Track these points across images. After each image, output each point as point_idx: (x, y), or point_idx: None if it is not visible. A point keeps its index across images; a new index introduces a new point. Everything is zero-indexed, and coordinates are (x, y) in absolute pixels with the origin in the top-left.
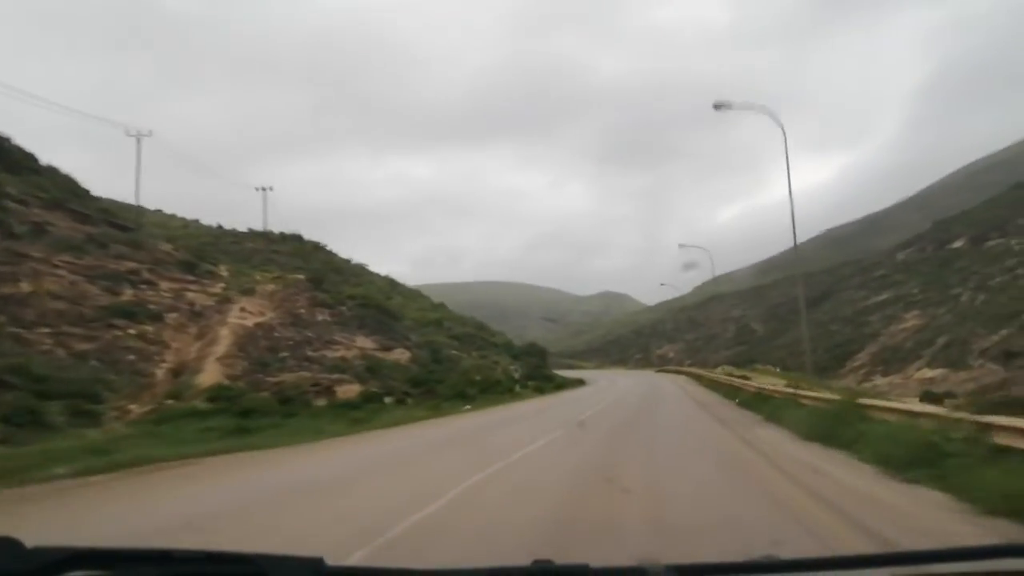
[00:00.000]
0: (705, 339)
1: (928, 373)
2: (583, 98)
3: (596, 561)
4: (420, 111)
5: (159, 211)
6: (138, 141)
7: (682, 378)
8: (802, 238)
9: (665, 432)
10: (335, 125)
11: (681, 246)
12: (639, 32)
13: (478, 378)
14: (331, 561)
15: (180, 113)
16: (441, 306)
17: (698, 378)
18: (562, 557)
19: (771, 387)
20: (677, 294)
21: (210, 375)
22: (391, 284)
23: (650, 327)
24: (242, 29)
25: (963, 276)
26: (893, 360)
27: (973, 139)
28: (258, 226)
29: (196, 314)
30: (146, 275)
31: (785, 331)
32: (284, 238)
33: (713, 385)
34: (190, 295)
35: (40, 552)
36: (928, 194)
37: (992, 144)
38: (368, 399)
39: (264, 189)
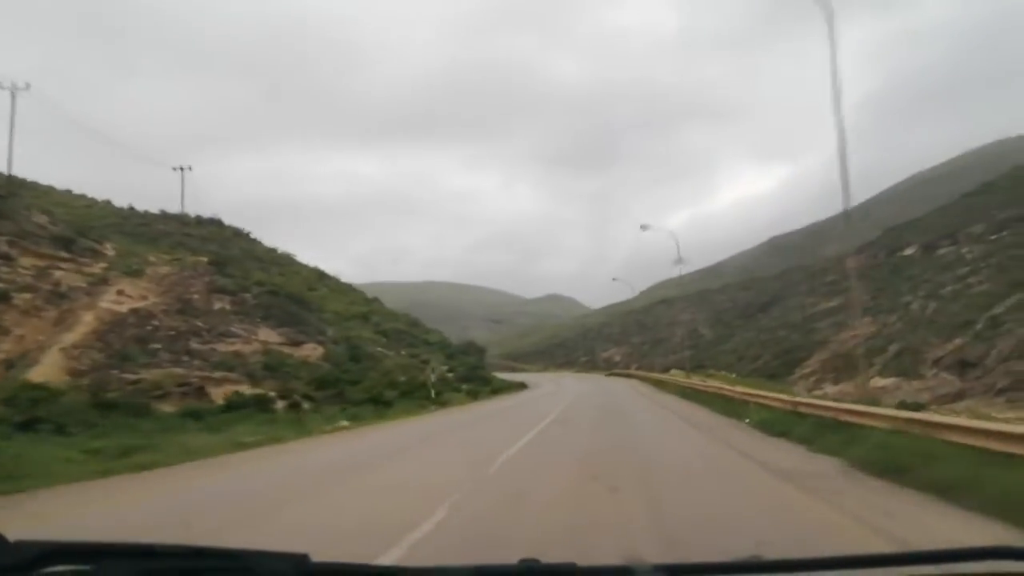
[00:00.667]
0: (652, 343)
1: (880, 382)
2: (534, 100)
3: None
4: (369, 107)
5: (68, 191)
6: (12, 96)
7: (637, 382)
8: (747, 245)
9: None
10: (281, 118)
11: (643, 227)
12: (591, 35)
13: (402, 379)
14: (316, 557)
15: (120, 99)
16: (375, 301)
17: (660, 384)
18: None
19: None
20: (627, 296)
21: (47, 369)
22: (319, 276)
23: (596, 330)
24: (186, 16)
25: (914, 284)
26: (844, 368)
27: (915, 152)
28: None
29: (59, 296)
30: (2, 248)
31: (732, 336)
32: (200, 222)
33: (690, 394)
34: (58, 274)
35: (22, 546)
36: (872, 204)
37: (933, 158)
38: (244, 404)
39: (181, 169)
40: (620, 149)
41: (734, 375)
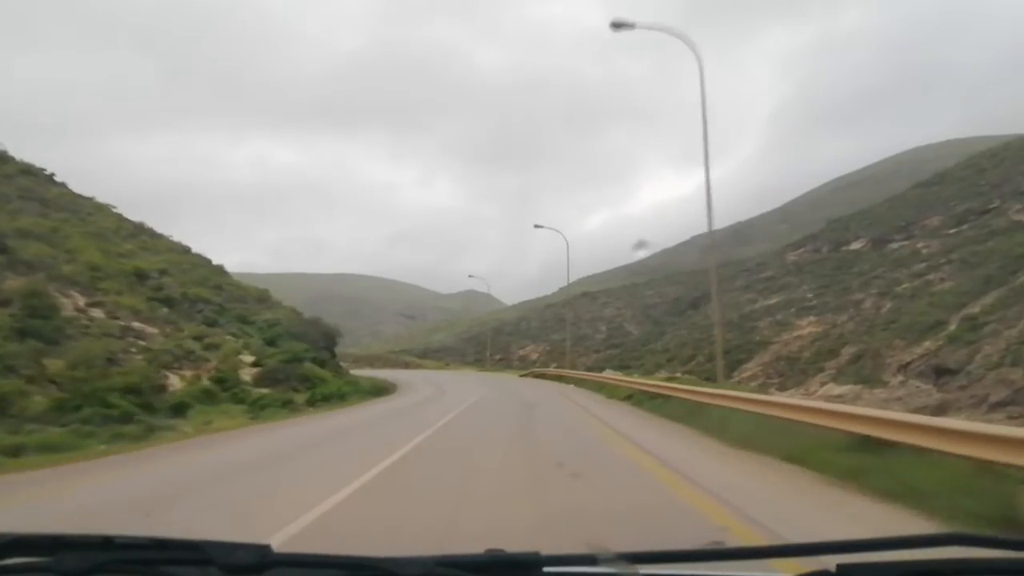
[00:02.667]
0: (573, 339)
1: (836, 389)
2: (457, 90)
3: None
4: (285, 92)
5: None
6: None
7: (568, 388)
8: (669, 243)
9: None
10: (187, 99)
11: (536, 226)
12: (516, 27)
13: (134, 380)
14: (278, 547)
15: (12, 70)
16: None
17: (601, 387)
18: None
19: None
20: (545, 292)
21: None
22: (132, 228)
23: (512, 325)
24: None
25: (865, 280)
26: (790, 372)
27: (827, 160)
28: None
29: None
30: None
31: (661, 334)
32: None
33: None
34: None
35: None
36: (791, 207)
37: (847, 166)
38: None
39: None
40: (540, 147)
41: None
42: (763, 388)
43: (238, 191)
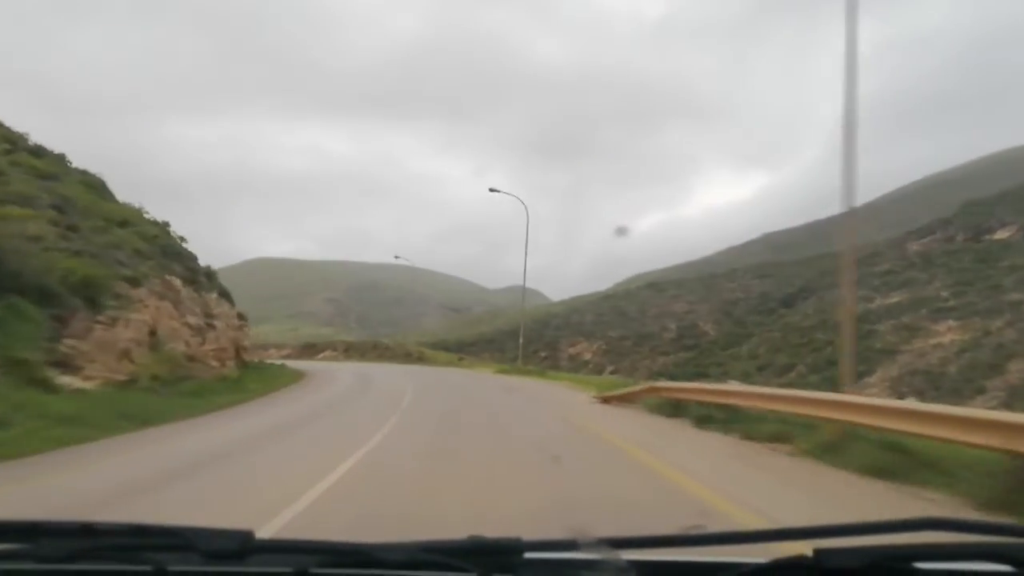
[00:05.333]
0: (636, 338)
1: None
2: (512, 82)
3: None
4: (339, 78)
5: None
6: None
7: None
8: (738, 240)
9: None
10: (242, 82)
11: (492, 190)
12: (575, 16)
13: None
14: (260, 534)
15: (72, 47)
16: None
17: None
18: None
19: None
20: (597, 288)
21: None
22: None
23: (562, 319)
24: None
25: (1021, 277)
26: (933, 391)
27: (907, 161)
28: None
29: None
30: None
31: (746, 336)
32: None
33: None
34: None
35: None
36: (877, 205)
37: (941, 163)
38: None
39: None
40: (594, 142)
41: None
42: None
43: (290, 177)
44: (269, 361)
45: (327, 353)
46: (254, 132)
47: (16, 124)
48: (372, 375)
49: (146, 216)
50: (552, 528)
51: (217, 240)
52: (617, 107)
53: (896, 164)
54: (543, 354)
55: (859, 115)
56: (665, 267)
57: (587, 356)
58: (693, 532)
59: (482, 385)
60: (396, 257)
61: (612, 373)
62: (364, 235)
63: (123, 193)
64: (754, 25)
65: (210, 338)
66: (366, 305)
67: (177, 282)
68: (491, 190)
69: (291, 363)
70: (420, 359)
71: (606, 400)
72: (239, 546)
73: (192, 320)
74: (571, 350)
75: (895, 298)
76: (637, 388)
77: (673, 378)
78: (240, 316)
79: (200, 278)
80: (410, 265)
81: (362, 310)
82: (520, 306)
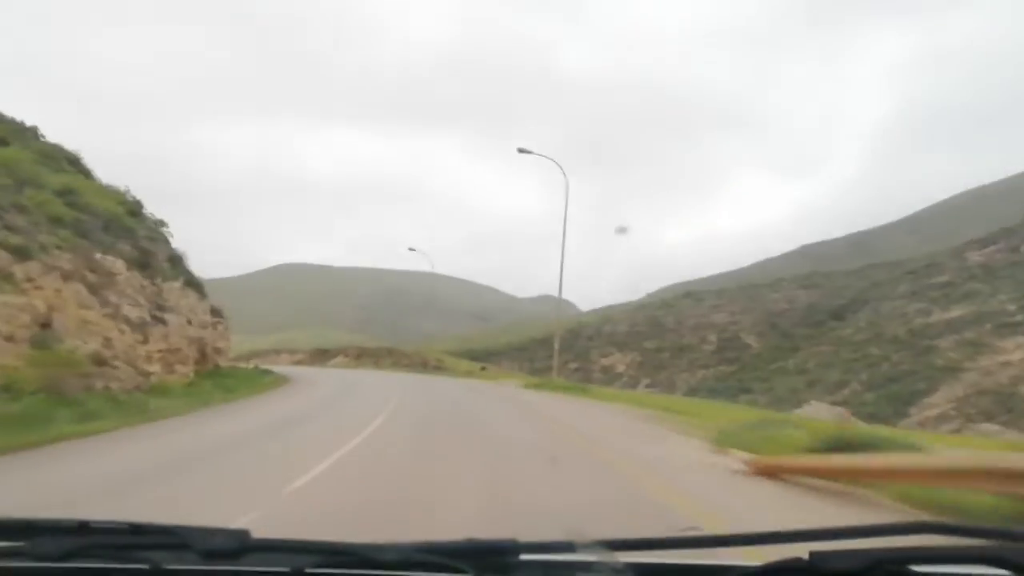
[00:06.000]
0: (673, 350)
1: None
2: (544, 89)
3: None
4: (369, 83)
5: None
6: None
7: None
8: (775, 252)
9: None
10: (274, 87)
11: (521, 150)
12: (608, 24)
13: None
14: (256, 534)
15: (96, 46)
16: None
17: None
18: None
19: None
20: (628, 298)
21: None
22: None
23: (593, 328)
24: None
25: None
26: (1000, 412)
27: (952, 173)
28: None
29: None
30: None
31: (793, 350)
32: None
33: None
34: None
35: None
36: (919, 218)
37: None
38: None
39: None
40: (625, 151)
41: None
42: (959, 432)
43: (320, 183)
44: (258, 367)
45: (339, 359)
46: (285, 137)
47: (49, 127)
48: (360, 388)
49: (122, 197)
50: (549, 529)
51: (246, 245)
52: (649, 115)
53: (932, 177)
54: (573, 365)
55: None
56: (701, 277)
57: (620, 368)
58: (689, 535)
59: (504, 411)
60: (411, 250)
61: (648, 387)
62: (393, 242)
63: (151, 196)
64: (787, 33)
65: (156, 336)
66: (393, 312)
67: (115, 263)
68: (520, 150)
69: (288, 369)
70: (438, 368)
71: (767, 472)
72: (235, 545)
73: (131, 312)
74: (603, 361)
75: (956, 311)
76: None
77: (714, 393)
78: (215, 312)
79: (156, 262)
80: (426, 259)
81: (389, 317)
82: (551, 316)
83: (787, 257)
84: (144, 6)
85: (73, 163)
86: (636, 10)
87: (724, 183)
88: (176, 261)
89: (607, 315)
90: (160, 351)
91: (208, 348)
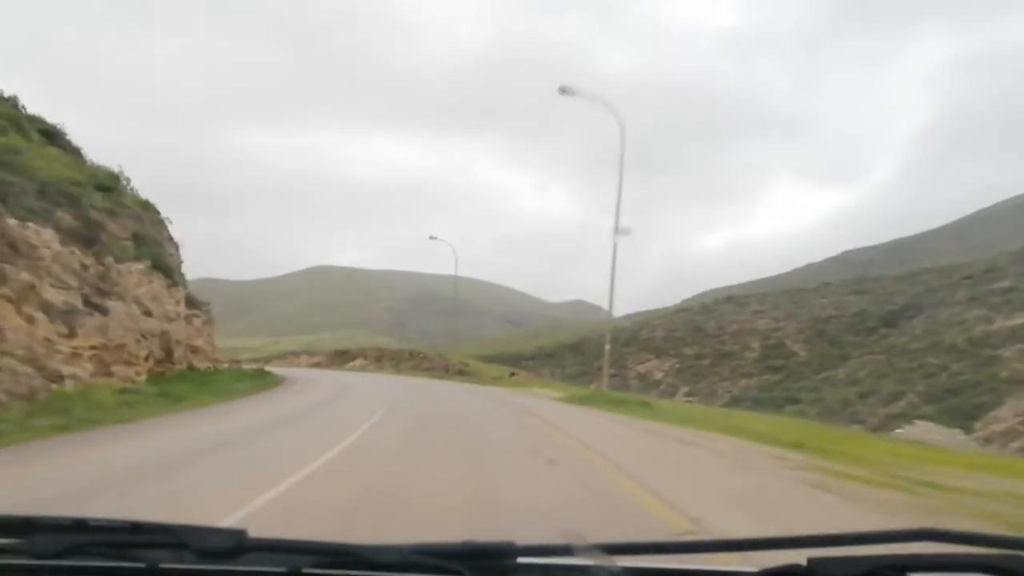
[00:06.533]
0: (714, 357)
1: None
2: (582, 92)
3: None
4: (406, 88)
5: None
6: None
7: None
8: (817, 257)
9: None
10: (313, 92)
11: (563, 91)
12: (645, 28)
13: None
14: (254, 533)
15: (141, 50)
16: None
17: None
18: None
19: None
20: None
21: None
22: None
23: (629, 333)
24: None
25: None
26: None
27: (995, 179)
28: None
29: None
30: None
31: (842, 358)
32: None
33: None
34: None
35: None
36: (965, 223)
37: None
38: None
39: None
40: (661, 156)
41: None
42: None
43: (355, 187)
44: (263, 368)
45: (357, 362)
46: (323, 141)
47: (94, 129)
48: (350, 397)
49: (96, 171)
50: (547, 532)
51: (283, 247)
52: (685, 120)
53: (975, 183)
54: (611, 372)
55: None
56: (742, 282)
57: (658, 375)
58: (687, 539)
59: (541, 458)
60: (432, 238)
61: (687, 396)
62: (425, 246)
63: (190, 198)
64: (828, 37)
65: (89, 328)
66: (423, 315)
67: (40, 233)
68: (562, 90)
69: (296, 372)
70: (461, 373)
71: None
72: (232, 545)
73: (55, 296)
74: (640, 368)
75: (1021, 319)
76: None
77: (758, 404)
78: (193, 304)
79: (108, 238)
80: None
81: (418, 320)
82: (582, 320)
83: (828, 263)
84: (188, 15)
85: (48, 135)
86: (675, 13)
87: (759, 188)
88: (147, 241)
89: (644, 319)
90: (93, 347)
91: (177, 345)
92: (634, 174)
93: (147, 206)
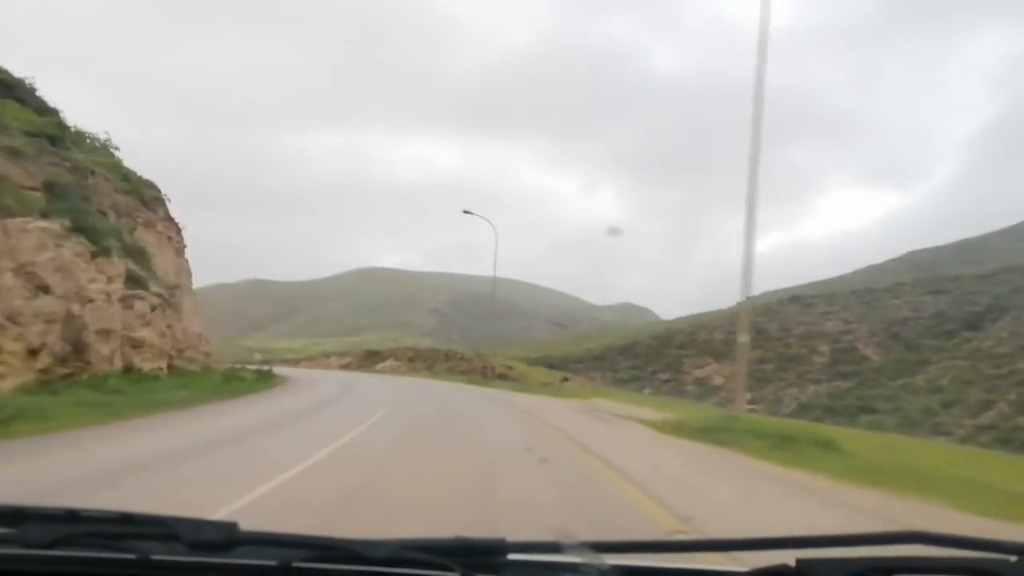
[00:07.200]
0: (779, 361)
1: None
2: (626, 94)
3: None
4: (450, 89)
5: None
6: None
7: None
8: (881, 258)
9: None
10: (357, 94)
11: (613, 231)
12: (695, 26)
13: None
14: (245, 526)
15: (194, 55)
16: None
17: None
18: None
19: None
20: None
21: None
22: None
23: (686, 336)
24: None
25: None
26: None
27: None
28: None
29: None
30: None
31: (921, 363)
32: None
33: None
34: None
35: None
36: None
37: None
38: None
39: None
40: (712, 158)
41: None
42: None
43: (400, 190)
44: (266, 369)
45: (388, 363)
46: (368, 144)
47: (139, 131)
48: (333, 411)
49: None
50: (537, 530)
51: (329, 249)
52: (735, 120)
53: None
54: (663, 376)
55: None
56: (800, 283)
57: (718, 380)
58: (676, 539)
59: None
60: (466, 212)
61: (751, 403)
62: (470, 248)
63: (241, 202)
64: (884, 35)
65: None
66: (469, 317)
67: None
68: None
69: (313, 374)
70: (504, 377)
71: None
72: (224, 537)
73: None
74: (697, 372)
75: None
76: None
77: (830, 412)
78: (137, 282)
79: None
80: (518, 279)
81: (465, 322)
82: (631, 324)
83: (892, 264)
84: (238, 19)
85: (8, 86)
86: (724, 13)
87: (811, 189)
88: (68, 196)
89: (701, 321)
90: None
91: (101, 337)
92: (682, 175)
93: (130, 177)
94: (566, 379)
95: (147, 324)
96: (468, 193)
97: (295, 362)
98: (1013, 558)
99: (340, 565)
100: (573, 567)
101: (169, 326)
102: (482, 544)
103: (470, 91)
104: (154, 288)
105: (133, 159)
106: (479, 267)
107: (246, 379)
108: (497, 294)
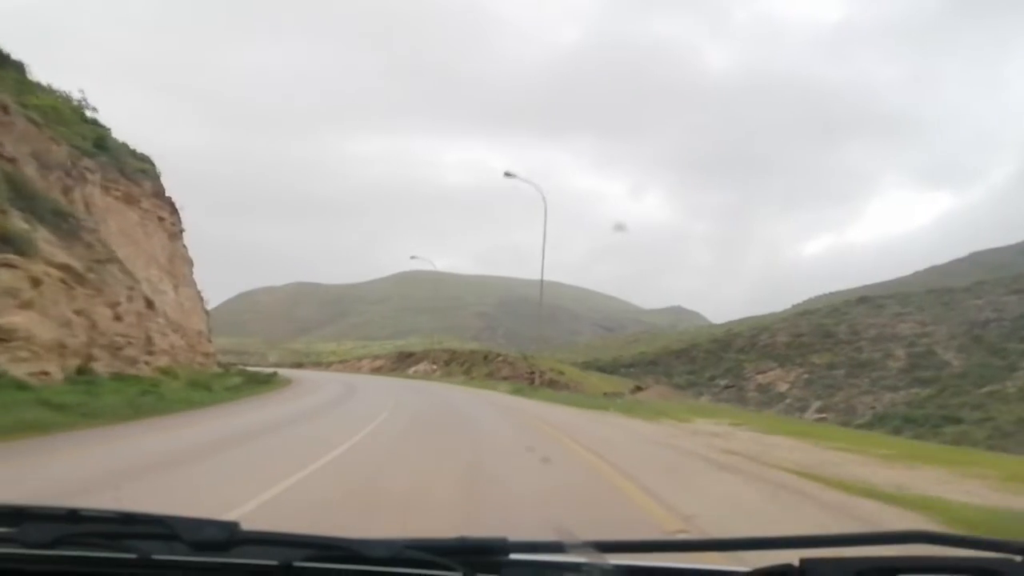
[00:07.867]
0: (850, 367)
1: None
2: (676, 94)
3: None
4: (496, 92)
5: None
6: None
7: None
8: (944, 259)
9: None
10: (404, 97)
11: (619, 227)
12: (746, 24)
13: None
14: (246, 526)
15: (241, 60)
16: None
17: None
18: None
19: None
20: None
21: None
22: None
23: (746, 339)
24: None
25: None
26: None
27: None
28: None
29: None
30: None
31: (1008, 369)
32: None
33: None
34: None
35: None
36: None
37: None
38: None
39: None
40: (762, 159)
41: None
42: None
43: (447, 193)
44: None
45: (422, 366)
46: (414, 147)
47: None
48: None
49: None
50: (538, 529)
51: (376, 252)
52: (787, 120)
53: None
54: (722, 382)
55: None
56: (861, 285)
57: (783, 387)
58: (679, 539)
59: None
60: (507, 175)
61: (819, 412)
62: (517, 251)
63: (290, 207)
64: (942, 31)
65: None
66: (515, 320)
67: None
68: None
69: (325, 377)
70: (554, 384)
71: None
72: (225, 537)
73: None
74: (760, 378)
75: None
76: None
77: (910, 422)
78: (9, 242)
79: None
80: (565, 282)
81: (512, 324)
82: (681, 327)
83: (955, 264)
84: (285, 23)
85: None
86: (776, 10)
87: (866, 189)
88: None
89: (762, 324)
90: None
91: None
92: (730, 176)
93: (106, 142)
94: (639, 387)
95: (25, 307)
96: (514, 195)
97: (328, 365)
98: (1018, 558)
99: (341, 565)
100: (575, 567)
101: (79, 312)
102: (484, 543)
103: (516, 92)
104: (59, 259)
105: (183, 163)
106: (526, 270)
107: (214, 389)
108: (544, 297)
